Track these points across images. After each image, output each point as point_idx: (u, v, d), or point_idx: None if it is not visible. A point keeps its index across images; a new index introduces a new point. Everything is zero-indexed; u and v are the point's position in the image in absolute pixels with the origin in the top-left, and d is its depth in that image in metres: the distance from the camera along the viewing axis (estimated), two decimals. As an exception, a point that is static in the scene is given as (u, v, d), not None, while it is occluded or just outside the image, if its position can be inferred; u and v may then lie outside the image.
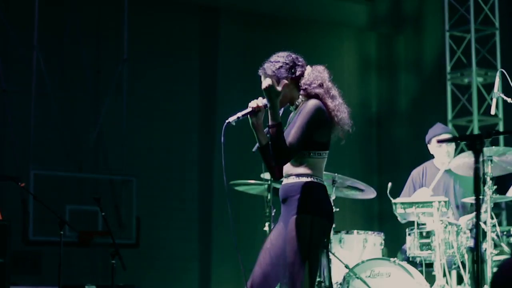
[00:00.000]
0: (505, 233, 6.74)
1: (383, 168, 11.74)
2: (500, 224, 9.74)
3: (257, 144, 4.72)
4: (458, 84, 10.80)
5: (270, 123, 4.59)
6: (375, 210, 11.47)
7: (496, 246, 6.51)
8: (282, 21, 11.30)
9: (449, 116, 10.71)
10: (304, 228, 4.54)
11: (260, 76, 4.79)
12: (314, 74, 4.78)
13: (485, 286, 6.03)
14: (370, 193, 7.04)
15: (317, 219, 4.57)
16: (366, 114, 11.78)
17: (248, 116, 4.71)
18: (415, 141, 11.18)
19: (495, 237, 6.58)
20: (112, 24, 10.40)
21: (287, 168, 4.73)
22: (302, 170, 4.66)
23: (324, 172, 6.65)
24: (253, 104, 4.70)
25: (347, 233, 6.92)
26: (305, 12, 11.27)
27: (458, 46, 10.77)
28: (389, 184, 6.79)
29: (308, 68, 4.82)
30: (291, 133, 4.60)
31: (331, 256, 6.68)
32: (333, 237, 6.76)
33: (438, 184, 7.17)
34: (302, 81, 4.75)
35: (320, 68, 4.84)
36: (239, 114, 4.69)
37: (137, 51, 10.39)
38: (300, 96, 4.77)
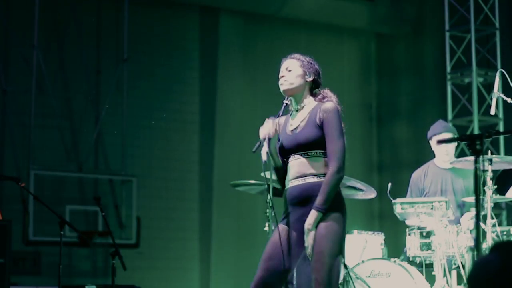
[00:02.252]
0: (505, 233, 6.74)
1: (383, 168, 11.74)
2: (500, 224, 9.73)
3: (257, 145, 4.76)
4: (458, 84, 10.80)
5: None
6: (375, 210, 11.47)
7: (496, 246, 6.51)
8: (282, 21, 11.30)
9: (449, 116, 10.71)
10: (339, 224, 4.72)
11: (281, 64, 4.96)
12: (331, 93, 4.99)
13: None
14: (370, 193, 7.03)
15: (344, 217, 4.79)
16: (366, 114, 11.79)
17: (265, 144, 4.79)
18: (415, 141, 11.19)
19: (495, 237, 6.58)
20: (112, 24, 10.41)
21: (301, 168, 4.79)
22: (321, 169, 4.78)
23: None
24: (262, 136, 4.79)
25: (347, 233, 6.90)
26: (305, 14, 11.27)
27: (458, 46, 10.76)
28: (389, 184, 6.78)
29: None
30: (332, 149, 4.74)
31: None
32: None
33: (437, 182, 7.16)
34: (322, 90, 4.96)
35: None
36: (264, 148, 4.77)
37: (137, 51, 10.39)
38: (311, 98, 4.92)
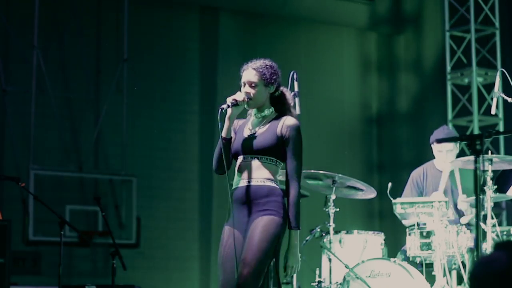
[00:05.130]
0: (505, 233, 6.74)
1: (383, 168, 11.74)
2: (500, 224, 9.73)
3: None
4: (458, 84, 10.80)
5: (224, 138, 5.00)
6: (375, 210, 11.47)
7: (496, 246, 6.51)
8: (282, 21, 11.30)
9: (449, 116, 10.71)
10: (276, 228, 4.80)
11: (243, 71, 5.02)
12: (288, 94, 5.10)
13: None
14: (370, 193, 7.03)
15: (283, 222, 4.85)
16: (366, 114, 11.78)
17: (231, 106, 4.95)
18: (415, 141, 11.19)
19: (495, 237, 6.58)
20: (112, 24, 10.41)
21: (250, 171, 4.91)
22: (268, 175, 4.89)
23: (324, 172, 6.72)
24: (240, 98, 4.95)
25: (347, 233, 6.91)
26: (305, 12, 11.27)
27: (458, 46, 10.76)
28: (389, 184, 6.78)
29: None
30: (294, 168, 4.88)
31: (331, 256, 6.68)
32: (333, 237, 6.76)
33: (436, 185, 7.15)
34: (282, 96, 5.04)
35: (288, 90, 5.16)
36: (228, 102, 4.95)
37: (137, 51, 10.39)
38: (272, 108, 5.02)
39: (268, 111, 5.01)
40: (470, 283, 2.73)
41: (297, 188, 4.87)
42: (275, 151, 4.88)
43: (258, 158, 4.90)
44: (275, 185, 4.88)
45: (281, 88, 5.05)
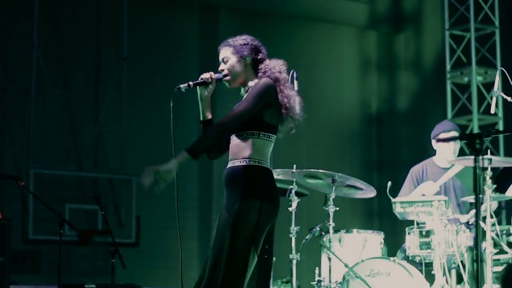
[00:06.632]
0: (504, 232, 6.74)
1: (383, 167, 11.74)
2: (499, 223, 9.73)
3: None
4: (458, 83, 10.80)
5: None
6: (375, 209, 11.47)
7: (495, 245, 6.52)
8: (282, 20, 11.30)
9: (449, 115, 10.71)
10: (252, 212, 4.53)
11: (219, 53, 4.97)
12: (275, 62, 4.83)
13: (484, 285, 6.03)
14: (370, 192, 7.03)
15: (265, 204, 4.56)
16: (366, 113, 11.78)
17: (198, 87, 4.89)
18: (415, 140, 11.19)
19: (495, 236, 6.58)
20: (112, 24, 10.41)
21: (234, 149, 4.72)
22: (249, 153, 4.65)
23: (323, 171, 6.72)
24: (206, 75, 4.92)
25: (346, 232, 6.91)
26: (305, 11, 11.27)
27: (458, 45, 10.77)
28: (389, 183, 6.78)
29: (268, 59, 4.87)
30: (240, 103, 4.65)
31: (330, 255, 6.68)
32: (332, 236, 6.76)
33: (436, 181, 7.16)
34: (263, 64, 4.80)
35: (280, 61, 4.88)
36: (190, 83, 4.92)
37: (137, 50, 10.39)
38: (255, 79, 4.79)
39: (252, 83, 4.81)
40: (501, 287, 2.72)
41: (223, 119, 4.66)
42: (248, 122, 4.65)
43: (238, 135, 4.73)
44: (257, 164, 4.62)
45: (268, 60, 4.82)
